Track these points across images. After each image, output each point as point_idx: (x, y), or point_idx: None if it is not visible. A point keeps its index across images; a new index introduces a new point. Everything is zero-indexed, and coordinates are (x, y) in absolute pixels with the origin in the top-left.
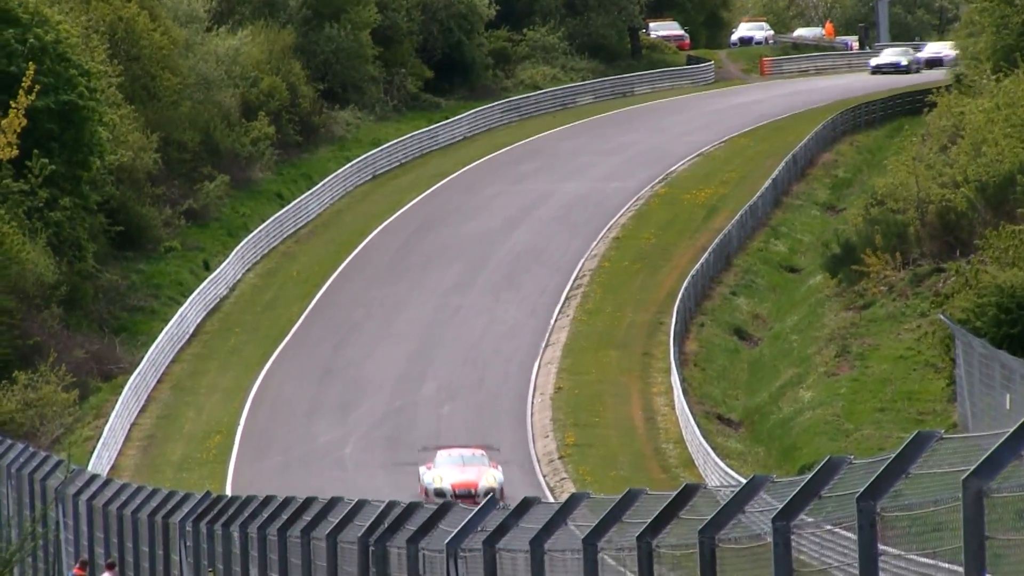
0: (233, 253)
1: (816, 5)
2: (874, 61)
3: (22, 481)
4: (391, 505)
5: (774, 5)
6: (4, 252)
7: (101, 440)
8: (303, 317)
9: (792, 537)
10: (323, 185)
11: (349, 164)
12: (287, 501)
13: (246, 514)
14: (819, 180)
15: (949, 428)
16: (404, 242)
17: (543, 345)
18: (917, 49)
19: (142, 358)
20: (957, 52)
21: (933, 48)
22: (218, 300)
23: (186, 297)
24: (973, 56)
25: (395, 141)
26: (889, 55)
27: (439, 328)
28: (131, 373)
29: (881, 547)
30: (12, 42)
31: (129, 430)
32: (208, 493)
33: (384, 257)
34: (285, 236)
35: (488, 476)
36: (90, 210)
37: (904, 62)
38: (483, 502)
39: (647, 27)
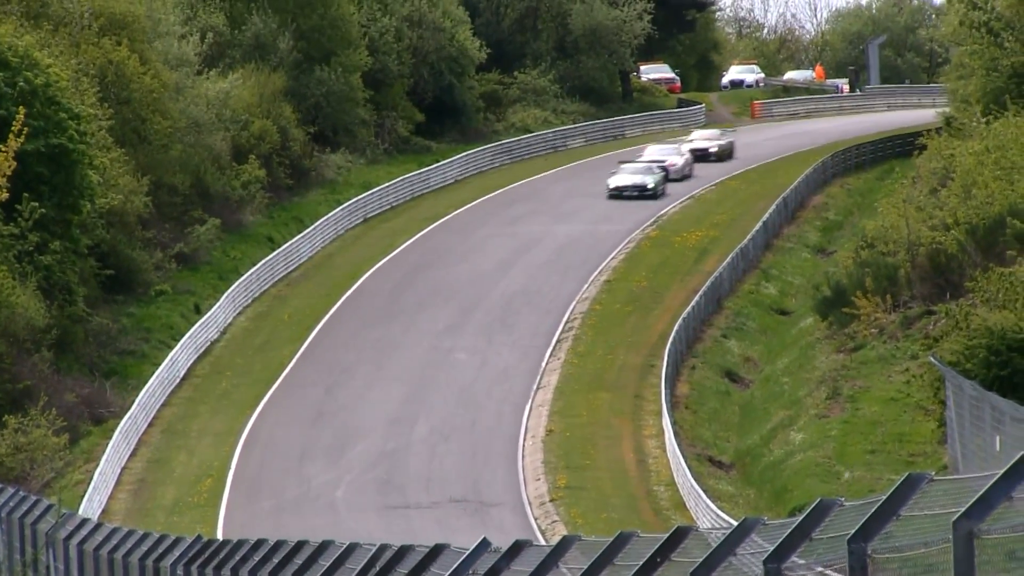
0: (224, 296)
1: (807, 48)
2: (612, 181)
3: (12, 525)
4: (383, 548)
5: (765, 48)
6: None
7: (92, 484)
8: (295, 360)
9: None
10: (314, 228)
11: (340, 207)
12: (279, 545)
13: (237, 558)
14: (810, 223)
15: (940, 470)
16: (396, 285)
17: (534, 387)
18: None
19: (133, 402)
20: (684, 159)
21: (653, 152)
22: (209, 343)
23: (177, 340)
24: (963, 99)
25: (386, 184)
26: (630, 175)
27: (431, 370)
28: (122, 417)
29: None
30: (2, 85)
31: (120, 474)
32: (199, 537)
33: (376, 300)
34: (276, 279)
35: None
36: (80, 254)
37: (651, 184)
38: (475, 544)
39: (638, 70)
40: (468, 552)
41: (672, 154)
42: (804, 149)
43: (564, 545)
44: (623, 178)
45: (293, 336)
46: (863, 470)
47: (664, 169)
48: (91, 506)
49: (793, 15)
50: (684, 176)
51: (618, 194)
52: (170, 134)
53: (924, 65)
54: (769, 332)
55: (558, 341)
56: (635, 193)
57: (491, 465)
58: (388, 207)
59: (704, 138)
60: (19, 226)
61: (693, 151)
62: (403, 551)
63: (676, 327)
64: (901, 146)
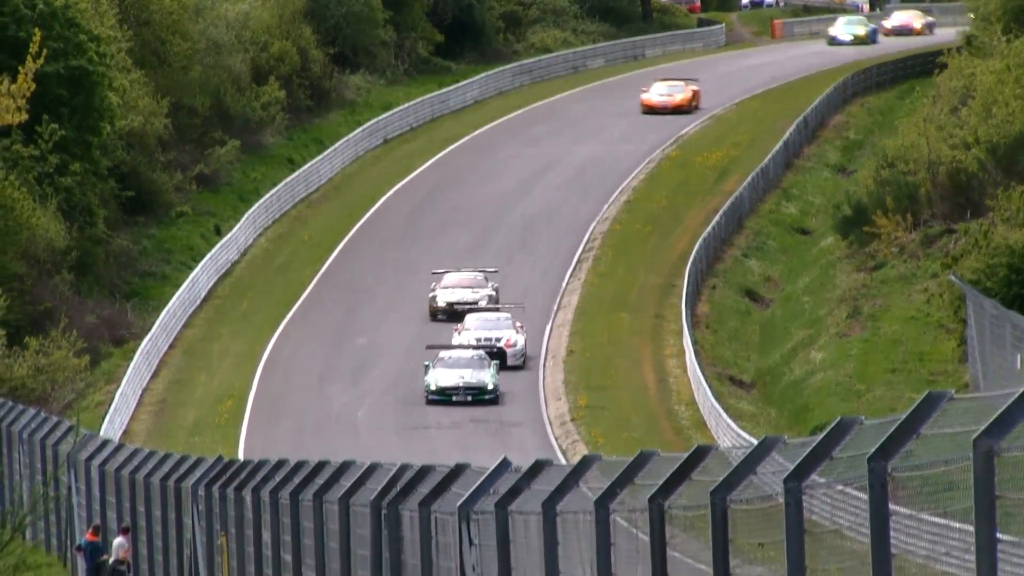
0: (244, 218)
1: None
2: (434, 379)
3: (34, 446)
4: (403, 468)
5: None
6: (15, 218)
7: (113, 405)
8: (315, 282)
9: (804, 498)
10: (334, 149)
11: (360, 128)
12: (299, 465)
13: (258, 478)
14: (830, 142)
15: (960, 388)
16: (416, 206)
17: (555, 308)
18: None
19: (154, 323)
20: (523, 335)
21: (476, 325)
22: (230, 265)
23: (197, 262)
24: (984, 17)
25: (406, 105)
26: (455, 369)
27: None
28: (143, 338)
29: (892, 507)
30: (21, 7)
31: (141, 395)
32: (220, 457)
33: (396, 221)
34: (296, 200)
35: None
36: (101, 175)
37: (490, 383)
38: (495, 466)
39: None
40: (489, 471)
41: (504, 326)
42: (824, 69)
43: (585, 464)
44: (449, 376)
45: (313, 258)
46: (883, 389)
47: (500, 353)
48: (112, 427)
49: None
50: (524, 357)
51: (445, 398)
52: (190, 56)
53: None
54: (789, 251)
55: (578, 261)
56: (468, 397)
57: (512, 386)
58: (408, 128)
59: (464, 285)
60: (39, 148)
61: (452, 304)
62: (424, 471)
63: (696, 247)
64: (922, 65)
